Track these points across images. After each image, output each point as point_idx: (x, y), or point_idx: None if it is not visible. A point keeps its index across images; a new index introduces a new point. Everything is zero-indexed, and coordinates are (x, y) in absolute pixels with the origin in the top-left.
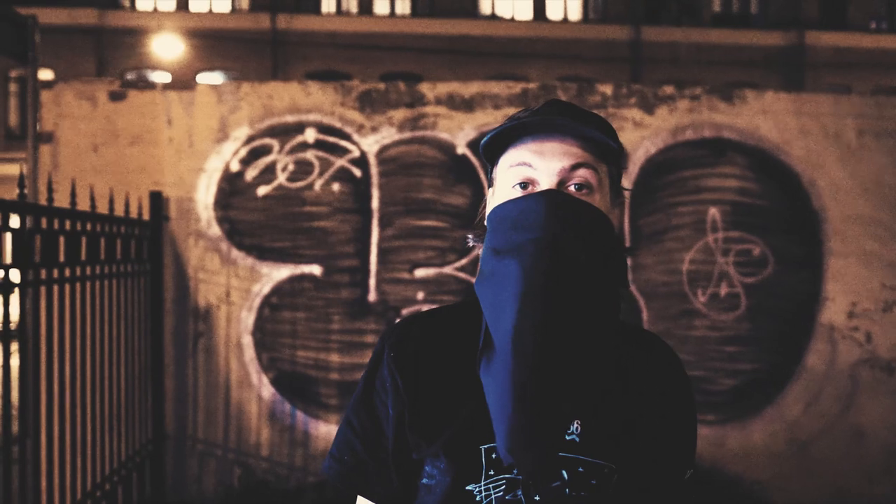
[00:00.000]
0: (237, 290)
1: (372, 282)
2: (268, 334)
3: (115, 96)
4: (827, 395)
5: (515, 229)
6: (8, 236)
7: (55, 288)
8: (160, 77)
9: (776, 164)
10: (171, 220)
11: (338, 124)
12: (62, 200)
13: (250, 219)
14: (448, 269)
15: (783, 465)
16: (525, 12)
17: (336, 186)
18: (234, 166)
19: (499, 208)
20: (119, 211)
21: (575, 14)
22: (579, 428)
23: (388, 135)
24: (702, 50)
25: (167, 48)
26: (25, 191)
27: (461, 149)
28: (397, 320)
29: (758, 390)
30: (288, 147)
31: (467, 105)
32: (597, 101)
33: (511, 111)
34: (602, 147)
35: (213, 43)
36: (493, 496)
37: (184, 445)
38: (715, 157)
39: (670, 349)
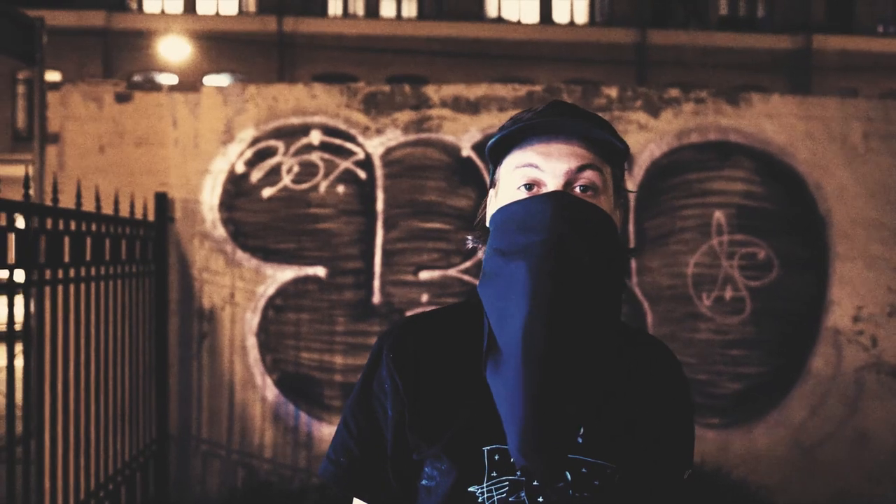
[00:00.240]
0: (242, 291)
1: (376, 284)
2: (272, 335)
3: (122, 98)
4: (832, 399)
5: (521, 231)
6: (13, 237)
7: (60, 288)
8: (167, 79)
9: (782, 167)
10: (177, 222)
11: (343, 126)
12: (68, 201)
13: (255, 220)
14: (452, 272)
15: (788, 468)
16: (531, 15)
17: (341, 188)
18: (240, 168)
19: (504, 209)
20: (124, 212)
21: (581, 17)
22: (582, 429)
23: (394, 137)
24: (708, 53)
25: (174, 50)
26: (31, 191)
27: (466, 151)
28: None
29: (762, 394)
30: (293, 149)
31: (472, 107)
32: (602, 103)
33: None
34: (606, 148)
35: (219, 45)
36: (495, 498)
37: (187, 446)
38: (720, 160)
39: (669, 351)
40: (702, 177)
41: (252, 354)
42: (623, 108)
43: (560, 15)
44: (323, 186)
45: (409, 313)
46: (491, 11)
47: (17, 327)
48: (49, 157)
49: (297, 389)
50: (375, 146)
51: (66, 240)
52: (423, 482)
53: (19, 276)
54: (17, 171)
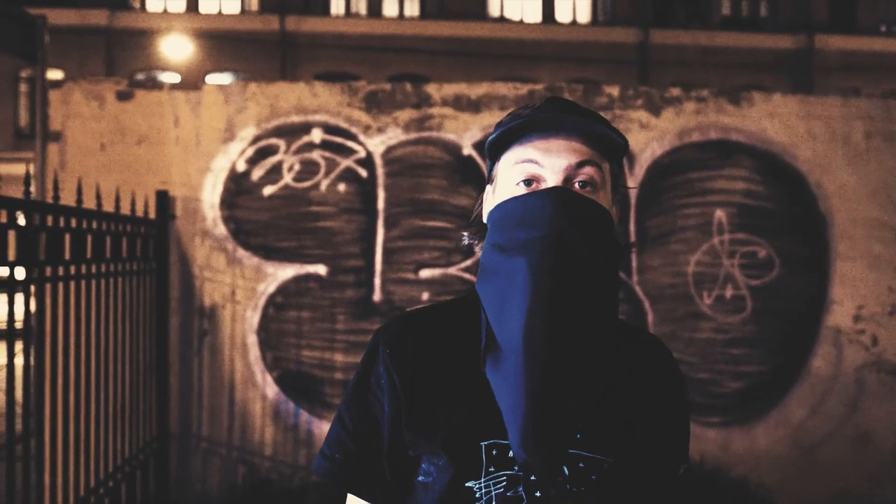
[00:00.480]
0: (242, 289)
1: (377, 282)
2: (272, 334)
3: (123, 96)
4: (833, 398)
5: (521, 226)
6: (13, 234)
7: (60, 286)
8: (169, 78)
9: (783, 166)
10: (178, 219)
11: (344, 125)
12: (69, 199)
13: (256, 218)
14: (453, 270)
15: (788, 468)
16: (534, 14)
17: (342, 187)
18: (241, 166)
19: (503, 205)
20: (125, 209)
21: (584, 16)
22: (580, 424)
23: (395, 135)
24: (710, 53)
25: (176, 49)
26: (32, 189)
27: (467, 150)
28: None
29: (763, 393)
30: (294, 147)
31: (474, 106)
32: (603, 102)
33: None
34: (605, 144)
35: (222, 44)
36: (493, 493)
37: (188, 444)
38: (721, 159)
39: (666, 349)
40: (703, 176)
41: (253, 352)
42: (624, 107)
43: (562, 14)
44: (324, 185)
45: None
46: (493, 11)
47: (18, 325)
48: (51, 155)
49: (297, 387)
50: (376, 144)
51: (67, 237)
52: (420, 478)
53: (20, 273)
54: (20, 169)
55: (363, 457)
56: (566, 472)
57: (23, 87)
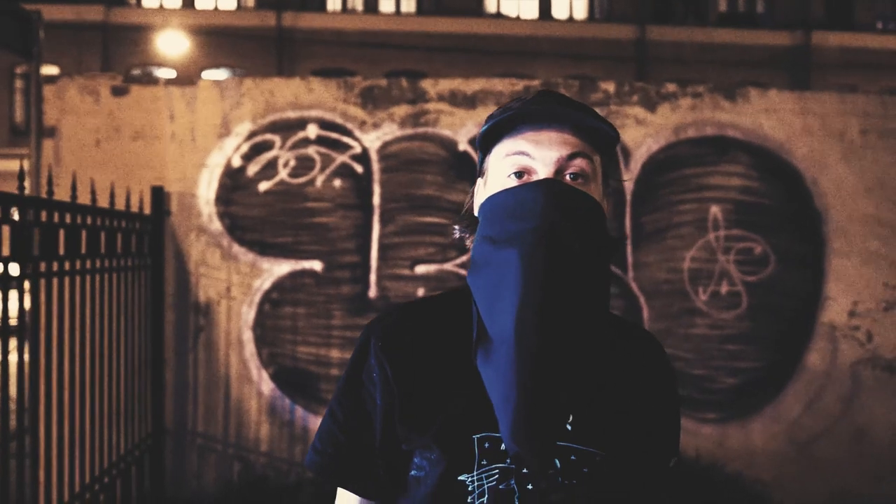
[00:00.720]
0: (238, 285)
1: (373, 278)
2: (268, 330)
3: (118, 91)
4: (828, 394)
5: (512, 218)
6: (7, 229)
7: (55, 281)
8: (165, 74)
9: (779, 162)
10: (173, 215)
11: (339, 120)
12: (64, 195)
13: (251, 214)
14: (449, 266)
15: (784, 463)
16: (530, 11)
17: (337, 182)
18: (236, 162)
19: (494, 197)
20: (120, 205)
21: (580, 13)
22: (572, 417)
23: (390, 131)
24: (708, 50)
25: (172, 45)
26: (25, 184)
27: (463, 146)
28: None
29: (758, 389)
30: (290, 143)
31: (469, 102)
32: (599, 98)
33: None
34: (596, 137)
35: (218, 40)
36: (485, 486)
37: (183, 440)
38: (717, 155)
39: (659, 345)
40: (699, 172)
41: (248, 348)
42: (620, 103)
43: (559, 11)
44: (319, 180)
45: None
46: (490, 7)
47: (13, 322)
48: (45, 150)
49: (293, 384)
50: (372, 140)
51: (61, 233)
52: (413, 472)
53: (14, 269)
54: (16, 165)
55: (355, 450)
56: (558, 464)
57: (18, 83)
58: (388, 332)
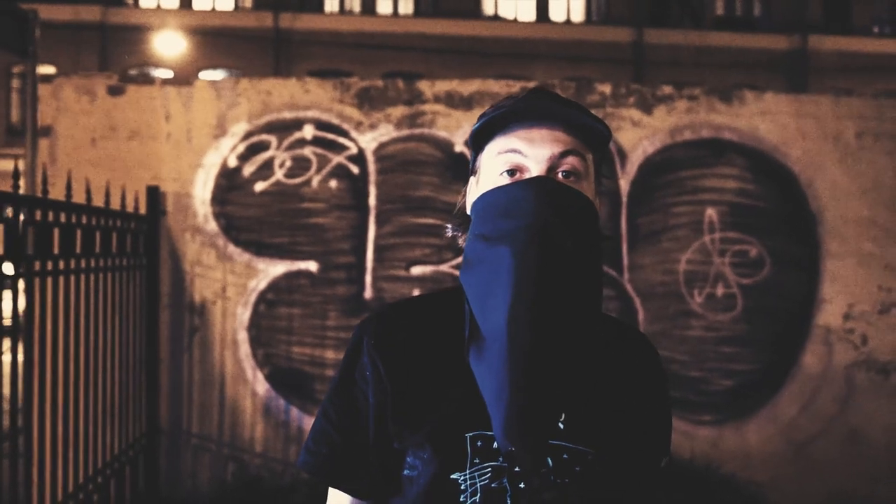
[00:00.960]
0: (233, 285)
1: (368, 279)
2: (263, 330)
3: (114, 91)
4: (823, 396)
5: (505, 216)
6: (1, 228)
7: (49, 281)
8: (162, 74)
9: (775, 165)
10: (168, 215)
11: (336, 121)
12: (59, 194)
13: (247, 214)
14: (445, 267)
15: (780, 465)
16: (528, 13)
17: (333, 183)
18: (232, 162)
19: (486, 195)
20: (115, 205)
21: (578, 15)
22: (564, 415)
23: (387, 132)
24: (704, 53)
25: (170, 45)
26: (21, 183)
27: (459, 147)
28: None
29: (754, 391)
30: (286, 143)
31: (466, 103)
32: (595, 100)
33: None
34: (588, 135)
35: (215, 41)
36: (478, 484)
37: (178, 440)
38: (713, 157)
39: (650, 344)
40: (695, 174)
41: (243, 349)
42: (616, 105)
43: (556, 13)
44: (315, 181)
45: None
46: (487, 9)
47: (6, 321)
48: (41, 150)
49: (288, 384)
50: (368, 141)
51: (56, 232)
52: (406, 472)
53: (8, 268)
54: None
55: (349, 450)
56: (550, 463)
57: (15, 83)
58: (381, 330)
